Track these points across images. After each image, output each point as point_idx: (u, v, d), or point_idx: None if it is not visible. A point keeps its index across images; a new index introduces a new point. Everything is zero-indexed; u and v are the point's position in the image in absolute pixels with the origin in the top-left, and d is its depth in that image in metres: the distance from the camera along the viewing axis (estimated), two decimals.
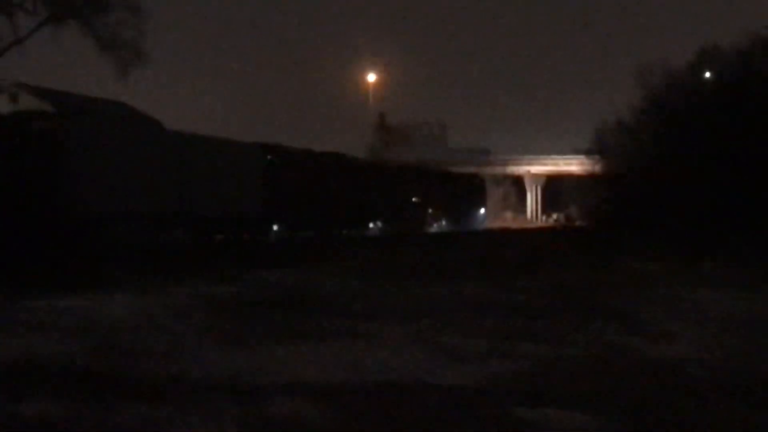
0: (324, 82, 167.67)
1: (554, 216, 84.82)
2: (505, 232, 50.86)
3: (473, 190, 59.97)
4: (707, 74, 33.85)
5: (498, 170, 79.93)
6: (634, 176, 36.14)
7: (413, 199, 49.14)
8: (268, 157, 34.50)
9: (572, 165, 71.16)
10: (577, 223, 58.34)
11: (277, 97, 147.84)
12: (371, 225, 43.99)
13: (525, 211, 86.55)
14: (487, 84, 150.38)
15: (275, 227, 35.39)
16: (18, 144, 21.82)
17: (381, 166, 49.50)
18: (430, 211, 51.99)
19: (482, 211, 61.96)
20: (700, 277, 15.02)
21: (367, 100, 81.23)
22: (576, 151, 63.99)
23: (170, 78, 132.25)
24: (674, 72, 36.02)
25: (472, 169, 67.07)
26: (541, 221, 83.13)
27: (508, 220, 76.72)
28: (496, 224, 63.91)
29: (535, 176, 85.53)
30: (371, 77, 75.66)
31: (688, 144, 29.03)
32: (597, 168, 45.66)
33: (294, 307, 10.34)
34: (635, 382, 6.04)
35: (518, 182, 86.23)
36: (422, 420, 4.92)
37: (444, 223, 53.30)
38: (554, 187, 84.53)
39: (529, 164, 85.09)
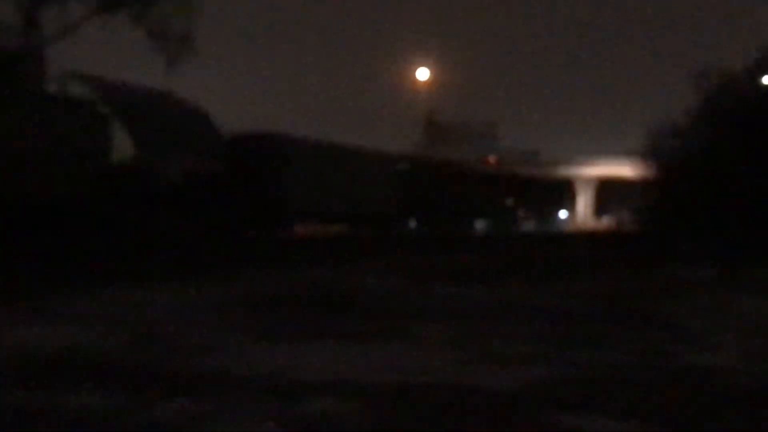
0: (375, 78, 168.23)
1: (605, 219, 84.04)
2: (555, 235, 50.84)
3: (557, 194, 64.47)
4: (765, 79, 33.23)
5: (547, 172, 79.10)
6: (686, 180, 35.70)
7: (507, 202, 53.11)
8: (403, 164, 41.35)
9: (623, 168, 70.40)
10: (629, 227, 57.89)
11: (326, 92, 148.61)
12: (476, 224, 48.74)
13: (575, 214, 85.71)
14: (538, 85, 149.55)
15: (411, 224, 42.42)
16: (254, 159, 30.49)
17: (483, 172, 54.28)
18: (521, 213, 55.95)
19: (564, 213, 66.05)
20: (750, 285, 14.75)
21: (417, 97, 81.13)
22: (628, 154, 63.36)
23: (218, 72, 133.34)
24: (731, 76, 35.47)
25: (521, 171, 67.05)
26: (593, 224, 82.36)
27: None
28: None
29: (586, 179, 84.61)
30: (423, 74, 74.60)
31: (743, 149, 28.59)
32: (649, 171, 45.12)
33: (337, 306, 10.35)
34: (680, 391, 5.93)
35: (568, 184, 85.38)
36: (462, 423, 4.88)
37: (533, 224, 57.28)
38: (605, 190, 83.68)
39: (579, 166, 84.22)
